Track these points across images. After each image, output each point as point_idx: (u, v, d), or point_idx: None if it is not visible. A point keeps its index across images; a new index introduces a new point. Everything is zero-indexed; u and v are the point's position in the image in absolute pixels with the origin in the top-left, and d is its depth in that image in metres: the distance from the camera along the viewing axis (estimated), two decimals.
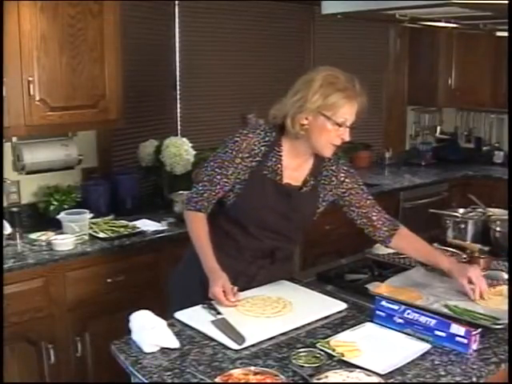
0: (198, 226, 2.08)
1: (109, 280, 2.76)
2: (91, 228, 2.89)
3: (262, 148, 2.04)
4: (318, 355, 1.63)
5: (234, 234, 2.12)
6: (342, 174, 2.15)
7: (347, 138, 2.00)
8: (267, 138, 2.05)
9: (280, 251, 2.16)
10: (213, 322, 1.84)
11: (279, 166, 2.06)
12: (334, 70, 2.02)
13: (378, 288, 2.12)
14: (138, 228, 2.96)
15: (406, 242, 2.20)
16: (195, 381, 1.54)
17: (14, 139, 3.01)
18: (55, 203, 3.03)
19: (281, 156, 2.06)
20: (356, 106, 1.98)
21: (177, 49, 3.83)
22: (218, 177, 2.04)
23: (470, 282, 2.01)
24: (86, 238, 2.81)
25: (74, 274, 2.67)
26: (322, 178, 2.14)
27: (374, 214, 2.17)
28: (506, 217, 2.68)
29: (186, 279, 2.19)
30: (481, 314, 1.87)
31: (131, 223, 3.01)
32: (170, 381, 1.54)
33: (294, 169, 2.10)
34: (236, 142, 2.03)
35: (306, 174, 2.12)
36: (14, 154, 3.05)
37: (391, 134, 5.20)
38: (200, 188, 2.07)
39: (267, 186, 2.05)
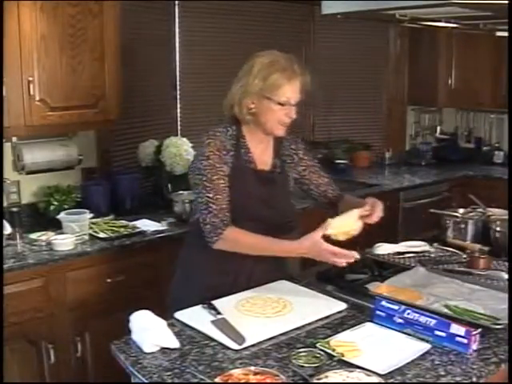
0: (244, 236, 2.01)
1: (109, 280, 2.76)
2: (91, 228, 2.89)
3: (231, 142, 2.10)
4: (318, 355, 1.64)
5: None
6: (301, 152, 2.26)
7: (294, 116, 2.07)
8: (230, 132, 2.11)
9: None
10: (213, 321, 1.84)
11: (250, 154, 2.13)
12: (273, 53, 2.09)
13: (378, 288, 2.12)
14: (138, 228, 2.96)
15: (345, 207, 2.19)
16: (195, 381, 1.54)
17: (14, 139, 3.01)
18: (55, 203, 3.03)
19: (247, 145, 2.13)
20: (298, 85, 2.05)
21: (177, 49, 3.83)
22: (221, 181, 2.03)
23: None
24: (86, 237, 2.81)
25: (74, 274, 2.67)
26: (285, 157, 2.22)
27: (330, 191, 2.30)
28: (506, 217, 2.68)
29: (188, 291, 2.16)
30: (481, 313, 1.87)
31: (131, 223, 3.01)
32: (170, 381, 1.54)
33: (261, 154, 2.16)
34: (210, 144, 2.06)
35: (272, 157, 2.19)
36: (14, 153, 3.05)
37: (391, 133, 5.20)
38: (214, 208, 2.00)
39: (247, 175, 2.11)
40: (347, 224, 2.00)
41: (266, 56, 2.08)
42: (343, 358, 1.61)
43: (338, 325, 1.87)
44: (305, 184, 2.28)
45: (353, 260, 1.96)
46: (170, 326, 1.80)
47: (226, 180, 2.05)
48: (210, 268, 2.12)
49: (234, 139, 2.10)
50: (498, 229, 2.63)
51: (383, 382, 1.50)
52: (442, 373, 1.57)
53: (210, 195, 2.01)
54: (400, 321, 1.78)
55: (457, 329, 1.68)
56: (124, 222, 3.01)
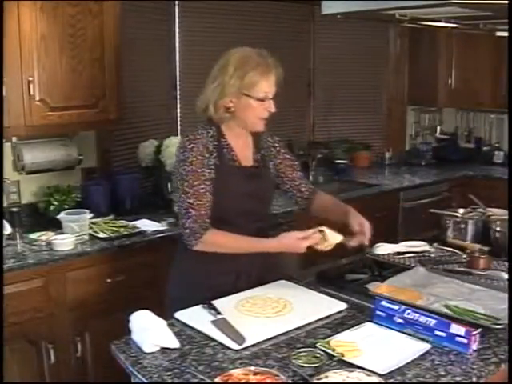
0: (223, 237, 2.08)
1: (109, 280, 2.76)
2: (91, 228, 2.89)
3: (213, 144, 2.11)
4: (318, 355, 1.64)
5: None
6: (277, 145, 2.30)
7: (273, 109, 2.11)
8: (211, 133, 2.12)
9: (263, 232, 2.17)
10: (213, 321, 1.84)
11: (233, 153, 2.15)
12: (245, 50, 2.16)
13: (378, 288, 2.12)
14: (138, 228, 2.96)
15: (319, 205, 2.33)
16: (195, 381, 1.54)
17: (14, 139, 3.01)
18: (55, 203, 3.03)
19: (229, 144, 2.15)
20: (273, 79, 2.10)
21: (177, 49, 3.83)
22: (202, 186, 2.04)
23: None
24: (86, 237, 2.81)
25: (74, 274, 2.67)
26: (264, 151, 2.25)
27: (303, 185, 2.33)
28: (506, 217, 2.68)
29: (188, 292, 2.15)
30: (481, 313, 1.87)
31: (131, 223, 3.01)
32: (170, 381, 1.54)
33: (242, 150, 2.19)
34: (193, 148, 2.06)
35: (253, 152, 2.22)
36: (14, 153, 3.05)
37: (391, 133, 5.19)
38: (193, 213, 2.03)
39: (233, 173, 2.13)
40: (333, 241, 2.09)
41: (239, 53, 2.13)
42: (343, 358, 1.61)
43: (338, 325, 1.87)
44: (279, 177, 2.30)
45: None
46: (170, 326, 1.80)
47: (207, 184, 2.05)
48: (210, 269, 2.12)
49: (216, 140, 2.12)
50: (498, 229, 2.63)
51: (383, 382, 1.50)
52: (442, 373, 1.57)
53: (191, 201, 2.03)
54: (400, 321, 1.78)
55: (457, 329, 1.68)
56: (124, 222, 3.01)
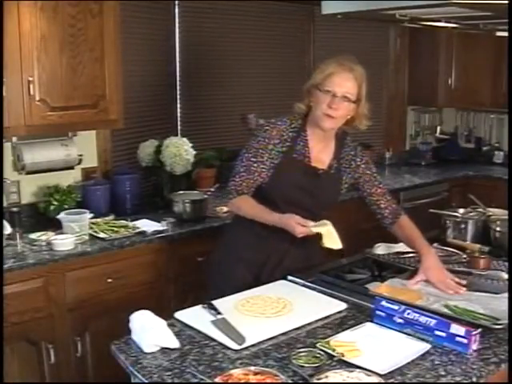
0: (246, 203, 2.25)
1: (109, 280, 2.76)
2: (91, 228, 2.88)
3: (290, 134, 2.26)
4: (318, 355, 1.64)
5: None
6: (359, 159, 2.37)
7: (338, 107, 2.17)
8: (294, 125, 2.27)
9: None
10: (213, 322, 1.84)
11: (306, 149, 2.27)
12: (338, 57, 2.28)
13: (378, 288, 2.12)
14: (138, 228, 2.95)
15: (401, 231, 2.37)
16: (195, 381, 1.54)
17: (14, 139, 3.00)
18: (55, 203, 3.02)
19: (307, 140, 2.28)
20: (350, 81, 2.18)
21: (177, 49, 3.83)
22: (255, 165, 2.23)
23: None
24: (86, 237, 2.81)
25: (74, 274, 2.67)
26: (343, 162, 2.35)
27: (383, 202, 2.38)
28: (506, 217, 2.69)
29: (227, 263, 2.35)
30: (481, 313, 1.87)
31: (131, 223, 3.01)
32: (170, 381, 1.54)
33: (320, 152, 2.30)
34: (267, 131, 2.25)
35: (330, 159, 2.32)
36: (14, 153, 3.05)
37: (391, 134, 5.20)
38: (237, 179, 2.25)
39: (297, 167, 2.26)
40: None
41: (332, 57, 2.27)
42: (343, 358, 1.61)
43: (338, 325, 1.87)
44: (359, 190, 2.40)
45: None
46: (170, 326, 1.80)
47: (261, 167, 2.22)
48: (249, 244, 2.31)
49: (295, 132, 2.26)
50: (497, 229, 2.63)
51: (383, 382, 1.50)
52: (442, 373, 1.57)
53: (241, 170, 2.25)
54: (400, 321, 1.78)
55: (457, 329, 1.68)
56: (124, 222, 3.01)
